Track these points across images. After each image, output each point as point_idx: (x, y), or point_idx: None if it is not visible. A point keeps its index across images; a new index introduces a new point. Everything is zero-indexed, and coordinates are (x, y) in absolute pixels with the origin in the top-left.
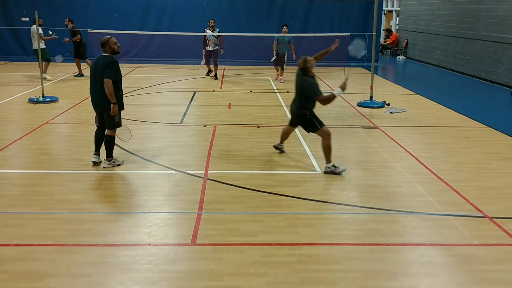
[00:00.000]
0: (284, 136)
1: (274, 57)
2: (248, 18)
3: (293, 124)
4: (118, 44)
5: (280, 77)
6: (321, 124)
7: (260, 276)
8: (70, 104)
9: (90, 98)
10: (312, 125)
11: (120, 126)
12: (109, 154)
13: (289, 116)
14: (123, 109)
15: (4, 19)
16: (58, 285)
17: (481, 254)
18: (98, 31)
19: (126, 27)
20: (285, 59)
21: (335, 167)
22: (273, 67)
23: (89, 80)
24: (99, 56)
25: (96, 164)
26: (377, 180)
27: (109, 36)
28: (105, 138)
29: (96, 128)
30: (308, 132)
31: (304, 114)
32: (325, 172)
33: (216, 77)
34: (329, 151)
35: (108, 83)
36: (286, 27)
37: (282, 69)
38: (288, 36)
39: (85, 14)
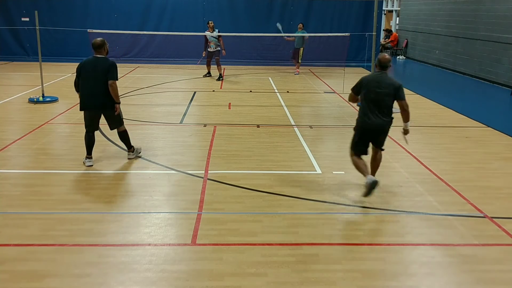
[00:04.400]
0: (374, 165)
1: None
2: (248, 18)
3: (366, 146)
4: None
5: (297, 70)
6: None
7: (260, 276)
8: (70, 104)
9: (84, 102)
10: (386, 137)
11: (123, 123)
12: (129, 146)
13: (291, 116)
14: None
15: (4, 19)
16: (58, 285)
17: (481, 254)
18: (98, 31)
19: (126, 27)
20: (300, 54)
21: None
22: (273, 67)
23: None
24: (92, 58)
25: (91, 167)
26: None
27: (101, 38)
28: (119, 135)
29: (86, 131)
30: (378, 147)
31: (389, 124)
32: (371, 186)
33: (220, 77)
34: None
35: (114, 84)
36: (301, 24)
37: (298, 62)
38: (302, 31)
39: (85, 14)
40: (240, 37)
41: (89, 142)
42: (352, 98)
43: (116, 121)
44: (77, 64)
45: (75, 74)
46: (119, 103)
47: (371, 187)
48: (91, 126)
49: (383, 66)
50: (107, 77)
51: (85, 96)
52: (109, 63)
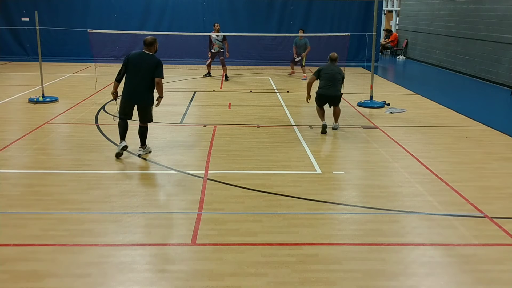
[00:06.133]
0: (324, 112)
1: (299, 58)
2: (248, 18)
3: (325, 104)
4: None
5: (304, 74)
6: None
7: (260, 276)
8: (70, 104)
9: (125, 93)
10: (340, 100)
11: (152, 120)
12: (144, 142)
13: (291, 116)
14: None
15: (4, 19)
16: (58, 285)
17: (481, 254)
18: (98, 31)
19: (126, 27)
20: (302, 59)
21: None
22: (273, 67)
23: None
24: (141, 52)
25: (125, 148)
26: (377, 180)
27: (153, 37)
28: (140, 129)
29: (120, 118)
30: (335, 105)
31: (341, 95)
32: (335, 128)
33: (227, 78)
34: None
35: (161, 82)
36: (301, 31)
37: (302, 66)
38: (304, 39)
39: (85, 14)
40: (240, 37)
41: (124, 128)
42: (312, 80)
43: (148, 116)
44: (78, 64)
45: (122, 63)
46: (162, 97)
47: (324, 128)
48: (127, 115)
49: (332, 60)
50: (153, 74)
51: (129, 88)
52: (157, 60)
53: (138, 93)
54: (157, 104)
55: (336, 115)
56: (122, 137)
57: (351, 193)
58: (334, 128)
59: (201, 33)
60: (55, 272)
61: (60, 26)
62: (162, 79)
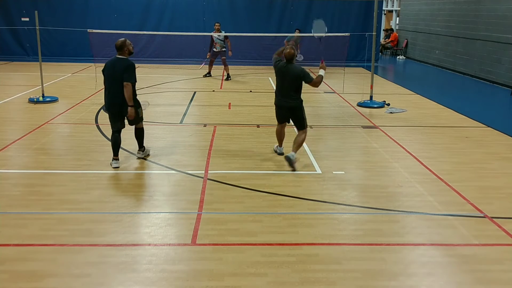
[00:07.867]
0: (282, 136)
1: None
2: (248, 18)
3: (284, 120)
4: (132, 45)
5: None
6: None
7: (260, 276)
8: (70, 104)
9: (107, 105)
10: (303, 117)
11: (143, 119)
12: (141, 145)
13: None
14: (139, 106)
15: (4, 19)
16: (58, 285)
17: (481, 254)
18: (98, 31)
19: (126, 27)
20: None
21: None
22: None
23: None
24: (114, 58)
25: (116, 168)
26: (377, 180)
27: (123, 38)
28: (137, 132)
29: (112, 132)
30: (298, 125)
31: (300, 105)
32: (288, 158)
33: (228, 77)
34: (301, 145)
35: (128, 86)
36: (298, 30)
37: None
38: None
39: (85, 14)
40: (240, 37)
41: (115, 143)
42: None
43: (137, 118)
44: (78, 64)
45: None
46: (132, 106)
47: (282, 155)
48: (115, 127)
49: (288, 59)
50: (123, 78)
51: (106, 96)
52: (127, 63)
53: (116, 100)
54: (129, 115)
55: (297, 142)
56: (116, 153)
57: (351, 193)
58: (288, 159)
59: (201, 33)
60: (55, 272)
61: (60, 26)
62: (130, 83)
